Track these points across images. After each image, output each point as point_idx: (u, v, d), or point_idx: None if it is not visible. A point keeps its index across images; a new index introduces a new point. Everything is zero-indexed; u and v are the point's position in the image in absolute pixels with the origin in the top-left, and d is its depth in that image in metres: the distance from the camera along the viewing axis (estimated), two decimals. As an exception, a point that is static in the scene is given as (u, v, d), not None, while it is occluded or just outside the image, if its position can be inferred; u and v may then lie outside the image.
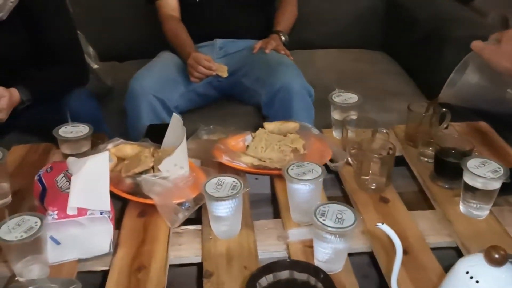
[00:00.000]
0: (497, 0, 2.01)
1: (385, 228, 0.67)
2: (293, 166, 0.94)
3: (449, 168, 1.03)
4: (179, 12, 1.79)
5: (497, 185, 0.91)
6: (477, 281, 0.60)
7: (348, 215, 0.80)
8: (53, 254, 0.85)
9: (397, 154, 1.19)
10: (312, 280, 0.70)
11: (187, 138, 1.05)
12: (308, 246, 0.90)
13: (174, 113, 1.10)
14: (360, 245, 0.90)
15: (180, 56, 1.70)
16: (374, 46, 2.16)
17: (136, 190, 0.99)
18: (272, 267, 0.73)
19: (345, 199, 1.06)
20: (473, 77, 1.09)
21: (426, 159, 1.14)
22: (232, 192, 0.87)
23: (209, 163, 1.12)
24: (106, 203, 0.88)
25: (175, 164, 1.00)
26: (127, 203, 1.01)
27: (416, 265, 0.84)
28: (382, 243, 0.88)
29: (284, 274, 0.72)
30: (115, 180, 0.98)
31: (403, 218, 0.97)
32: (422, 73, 1.82)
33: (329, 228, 0.78)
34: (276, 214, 1.03)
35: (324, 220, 0.79)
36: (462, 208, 0.97)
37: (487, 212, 0.95)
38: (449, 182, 1.04)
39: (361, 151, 1.03)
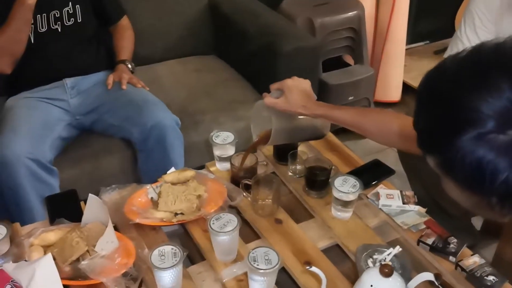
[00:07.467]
0: (302, 4, 2.37)
1: (314, 269, 0.94)
2: (213, 220, 1.14)
3: (318, 184, 1.35)
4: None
5: (356, 195, 1.26)
6: (377, 289, 0.92)
7: (272, 255, 1.06)
8: None
9: (270, 171, 1.49)
10: None
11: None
12: (239, 280, 1.14)
13: (90, 194, 1.18)
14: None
15: None
16: (207, 52, 2.38)
17: (77, 274, 1.09)
18: None
19: (248, 226, 1.31)
20: (279, 123, 1.28)
21: (293, 174, 1.44)
22: (175, 260, 1.05)
23: (124, 225, 1.25)
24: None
25: (107, 241, 1.12)
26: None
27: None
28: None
29: None
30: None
31: (296, 234, 1.26)
32: (257, 80, 2.11)
33: (262, 271, 1.03)
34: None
35: (257, 264, 1.03)
36: (333, 212, 1.31)
37: (351, 213, 1.30)
38: (319, 193, 1.36)
39: (255, 185, 1.28)
